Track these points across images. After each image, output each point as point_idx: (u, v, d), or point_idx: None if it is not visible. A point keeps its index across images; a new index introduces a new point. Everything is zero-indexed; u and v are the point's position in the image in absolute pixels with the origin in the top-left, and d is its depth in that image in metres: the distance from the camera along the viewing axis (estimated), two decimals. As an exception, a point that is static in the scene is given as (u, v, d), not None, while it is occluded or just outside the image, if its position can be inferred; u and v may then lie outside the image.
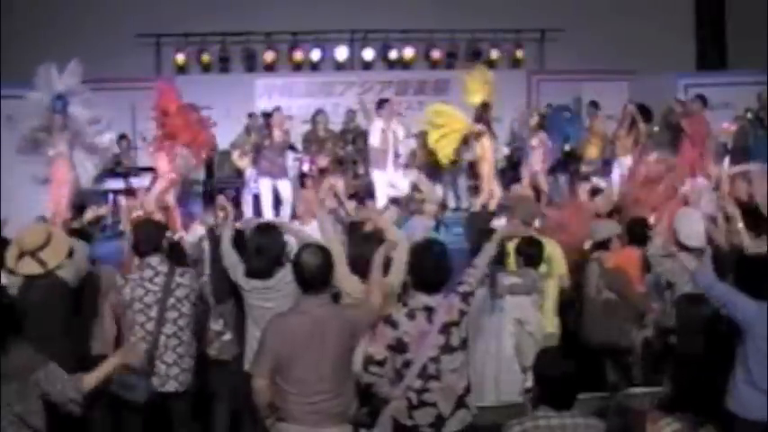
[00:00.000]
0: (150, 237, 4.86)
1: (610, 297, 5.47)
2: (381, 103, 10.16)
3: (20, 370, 3.37)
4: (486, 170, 9.84)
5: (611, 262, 5.65)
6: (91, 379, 3.57)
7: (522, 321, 5.01)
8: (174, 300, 4.69)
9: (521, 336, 4.99)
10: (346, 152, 10.92)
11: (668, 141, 10.32)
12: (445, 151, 9.89)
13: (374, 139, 9.97)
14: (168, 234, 5.55)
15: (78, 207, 9.02)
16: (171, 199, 9.22)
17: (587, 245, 6.06)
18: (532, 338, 5.00)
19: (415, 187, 9.64)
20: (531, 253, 5.31)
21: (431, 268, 3.93)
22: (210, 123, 9.82)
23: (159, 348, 4.64)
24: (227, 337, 5.16)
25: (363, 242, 4.98)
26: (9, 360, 3.38)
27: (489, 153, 9.85)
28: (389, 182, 9.90)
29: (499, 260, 4.88)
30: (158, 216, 8.03)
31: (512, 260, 5.42)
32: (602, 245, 5.82)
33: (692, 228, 5.29)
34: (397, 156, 10.01)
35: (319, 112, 10.92)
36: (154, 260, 4.75)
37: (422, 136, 10.65)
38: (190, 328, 4.78)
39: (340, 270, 4.61)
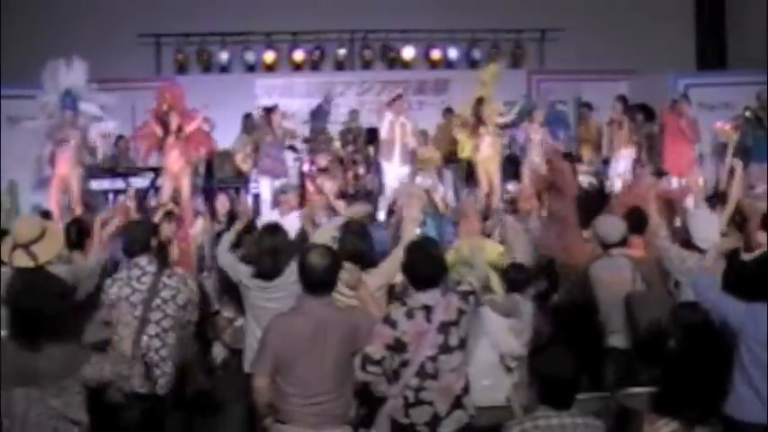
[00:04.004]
0: (139, 237, 4.83)
1: (645, 290, 5.39)
2: (396, 98, 10.34)
3: (59, 367, 3.37)
4: (484, 166, 9.85)
5: (636, 254, 5.61)
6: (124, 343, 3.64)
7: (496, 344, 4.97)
8: (160, 300, 4.62)
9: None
10: (347, 152, 10.94)
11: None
12: (468, 147, 9.99)
13: (383, 131, 10.09)
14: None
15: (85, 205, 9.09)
16: (186, 192, 9.34)
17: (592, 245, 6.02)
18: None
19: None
20: (518, 278, 5.25)
21: (422, 264, 3.93)
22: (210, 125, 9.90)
23: (141, 349, 4.57)
24: (240, 323, 5.12)
25: (355, 236, 4.98)
26: (43, 358, 3.37)
27: (485, 151, 9.84)
28: (396, 174, 9.96)
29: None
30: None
31: (495, 284, 5.41)
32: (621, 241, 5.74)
33: (708, 229, 5.26)
34: (405, 149, 10.06)
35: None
36: (142, 260, 4.71)
37: (422, 135, 10.68)
38: (175, 331, 4.69)
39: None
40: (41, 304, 3.52)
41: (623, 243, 5.48)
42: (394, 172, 10.01)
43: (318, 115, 11.54)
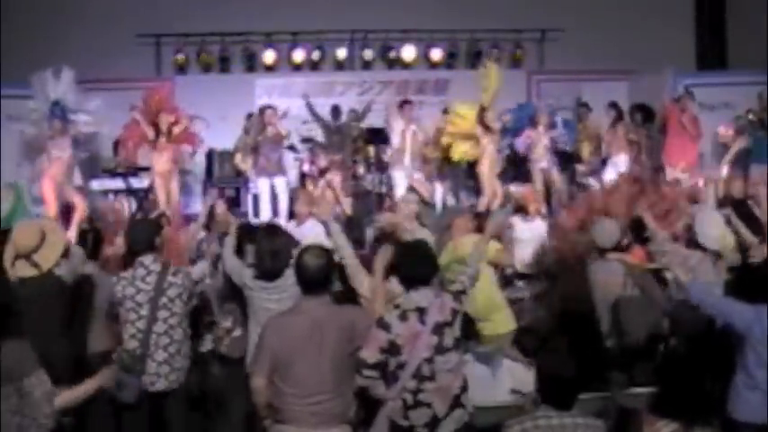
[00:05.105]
0: (144, 236, 4.86)
1: (636, 294, 5.43)
2: (403, 105, 10.35)
3: (10, 372, 3.34)
4: (486, 171, 9.88)
5: (631, 260, 5.64)
6: (65, 397, 3.50)
7: None
8: (166, 299, 4.68)
9: None
10: (345, 152, 10.94)
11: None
12: (459, 149, 10.00)
13: (394, 139, 10.17)
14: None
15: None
16: (174, 194, 9.38)
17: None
18: None
19: (410, 189, 9.69)
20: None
21: (413, 264, 3.97)
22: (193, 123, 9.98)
23: (150, 347, 4.64)
24: (237, 333, 5.17)
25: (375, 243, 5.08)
26: (3, 356, 3.35)
27: (488, 153, 9.88)
28: (408, 181, 9.98)
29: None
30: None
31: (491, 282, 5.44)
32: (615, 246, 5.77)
33: (713, 230, 5.28)
34: (416, 156, 10.08)
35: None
36: (147, 259, 4.74)
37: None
38: (182, 327, 4.78)
39: (359, 277, 4.76)
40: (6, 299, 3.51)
41: (618, 248, 5.52)
42: (405, 179, 10.03)
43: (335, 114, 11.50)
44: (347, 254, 4.88)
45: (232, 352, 5.17)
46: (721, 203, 8.09)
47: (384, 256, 4.50)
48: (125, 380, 4.39)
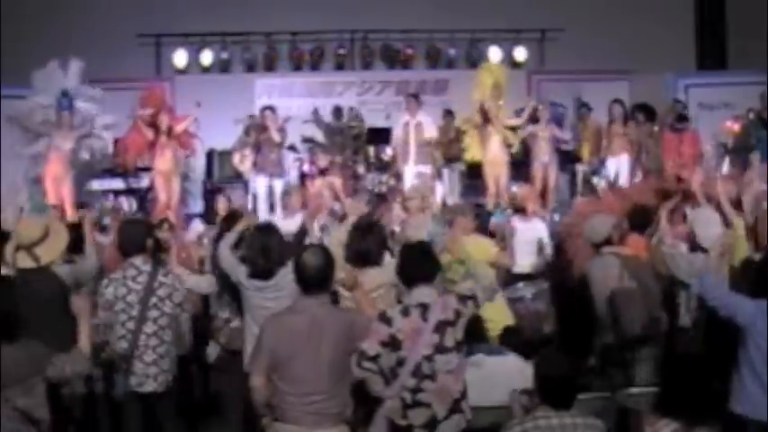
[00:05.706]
0: (135, 236, 4.83)
1: (632, 286, 5.42)
2: (409, 98, 10.44)
3: (25, 367, 3.37)
4: (489, 169, 9.87)
5: (626, 252, 5.63)
6: (84, 344, 3.63)
7: None
8: (156, 299, 4.66)
9: None
10: (346, 153, 10.96)
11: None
12: (473, 151, 10.03)
13: (397, 132, 10.22)
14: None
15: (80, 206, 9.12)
16: (175, 194, 9.41)
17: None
18: None
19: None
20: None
21: (415, 263, 3.98)
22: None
23: (139, 347, 4.61)
24: (236, 324, 5.14)
25: (363, 235, 5.05)
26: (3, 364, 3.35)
27: (493, 152, 9.86)
28: (414, 175, 9.99)
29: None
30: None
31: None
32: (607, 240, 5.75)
33: (710, 230, 5.28)
34: (421, 149, 10.09)
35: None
36: (137, 260, 4.72)
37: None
38: (172, 329, 4.73)
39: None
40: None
41: (609, 242, 5.52)
42: (411, 173, 10.04)
43: (337, 115, 11.50)
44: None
45: (230, 343, 5.16)
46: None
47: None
48: (112, 377, 4.40)
